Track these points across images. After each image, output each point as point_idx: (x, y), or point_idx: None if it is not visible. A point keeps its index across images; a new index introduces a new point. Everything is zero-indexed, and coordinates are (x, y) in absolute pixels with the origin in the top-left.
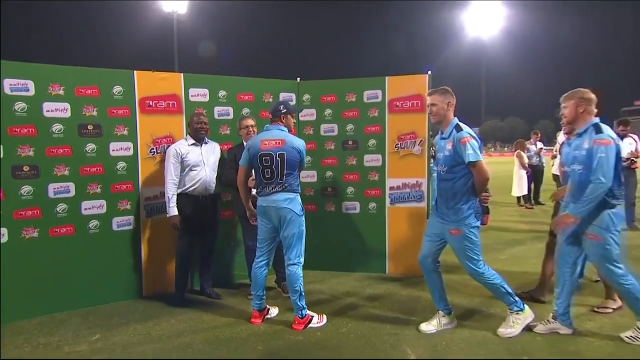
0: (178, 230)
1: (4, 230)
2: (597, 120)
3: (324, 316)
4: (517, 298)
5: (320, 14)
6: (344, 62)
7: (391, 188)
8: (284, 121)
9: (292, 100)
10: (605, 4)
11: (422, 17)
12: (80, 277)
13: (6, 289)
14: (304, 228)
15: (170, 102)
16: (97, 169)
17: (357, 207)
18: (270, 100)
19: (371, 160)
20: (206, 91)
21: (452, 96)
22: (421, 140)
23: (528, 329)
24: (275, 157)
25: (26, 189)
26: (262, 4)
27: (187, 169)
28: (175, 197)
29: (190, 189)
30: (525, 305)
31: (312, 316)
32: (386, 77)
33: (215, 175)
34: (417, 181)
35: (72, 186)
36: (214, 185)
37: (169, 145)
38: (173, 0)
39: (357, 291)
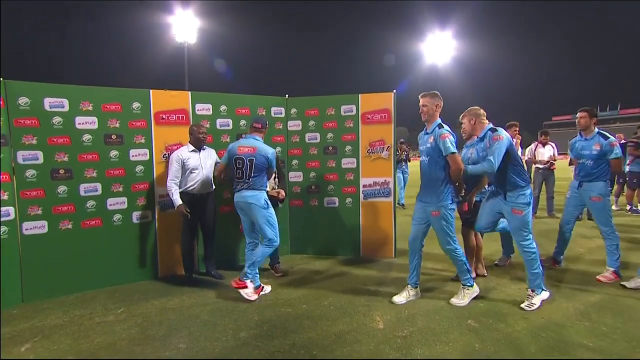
0: (183, 222)
1: (45, 223)
2: (490, 124)
3: (256, 294)
4: (471, 275)
5: (305, 42)
6: (324, 82)
7: (364, 186)
8: (263, 132)
9: (282, 113)
10: (529, 33)
11: (389, 46)
12: (107, 261)
13: (47, 271)
14: (272, 217)
15: (180, 115)
16: (119, 172)
17: (336, 201)
18: (264, 113)
19: (347, 162)
20: (210, 106)
21: (440, 100)
22: (388, 146)
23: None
24: (246, 162)
25: (62, 188)
26: (257, 34)
27: (187, 172)
28: (177, 192)
29: (190, 188)
30: (474, 282)
31: (246, 286)
32: (359, 95)
33: (212, 176)
34: (385, 180)
35: (99, 186)
36: (210, 184)
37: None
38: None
39: (336, 271)
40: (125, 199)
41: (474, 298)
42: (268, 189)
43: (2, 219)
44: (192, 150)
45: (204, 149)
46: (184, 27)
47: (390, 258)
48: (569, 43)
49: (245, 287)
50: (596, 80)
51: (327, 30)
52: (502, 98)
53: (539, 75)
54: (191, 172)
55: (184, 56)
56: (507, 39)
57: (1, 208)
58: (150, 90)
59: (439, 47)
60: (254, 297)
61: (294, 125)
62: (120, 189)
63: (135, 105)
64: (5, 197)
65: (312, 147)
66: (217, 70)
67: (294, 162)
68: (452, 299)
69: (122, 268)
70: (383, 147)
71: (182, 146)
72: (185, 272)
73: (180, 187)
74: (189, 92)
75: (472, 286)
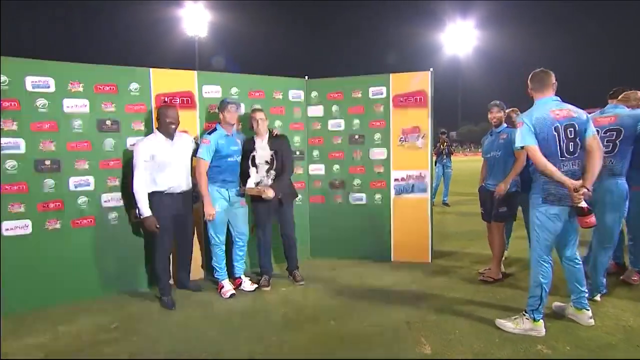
0: (154, 235)
1: (28, 222)
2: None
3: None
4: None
5: (327, 17)
6: (348, 63)
7: (395, 180)
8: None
9: (301, 97)
10: (553, 24)
11: (410, 35)
12: (100, 266)
13: (32, 277)
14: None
15: (185, 98)
16: (115, 163)
17: (364, 198)
18: (280, 97)
19: (376, 153)
20: (219, 88)
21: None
22: (424, 134)
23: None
24: None
25: (48, 182)
26: (272, 22)
27: (157, 168)
28: (146, 197)
29: (165, 187)
30: (542, 320)
31: (243, 280)
32: (390, 74)
33: (189, 171)
34: (420, 173)
35: (91, 180)
36: (188, 182)
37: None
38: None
39: (365, 278)
40: (121, 194)
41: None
42: (250, 184)
43: None
44: (162, 140)
45: (177, 137)
46: (195, 21)
47: (425, 263)
48: (600, 33)
49: (222, 287)
50: (628, 73)
51: (338, 20)
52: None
53: (568, 67)
54: (164, 168)
55: (194, 50)
56: (534, 29)
57: None
58: (151, 69)
59: (460, 38)
60: (227, 293)
61: (315, 110)
62: (116, 183)
63: (133, 86)
64: None
65: (336, 136)
66: (228, 64)
67: (315, 153)
68: (500, 320)
69: (117, 275)
70: (418, 135)
71: (187, 133)
72: (162, 295)
73: (152, 187)
74: (195, 72)
75: (537, 321)
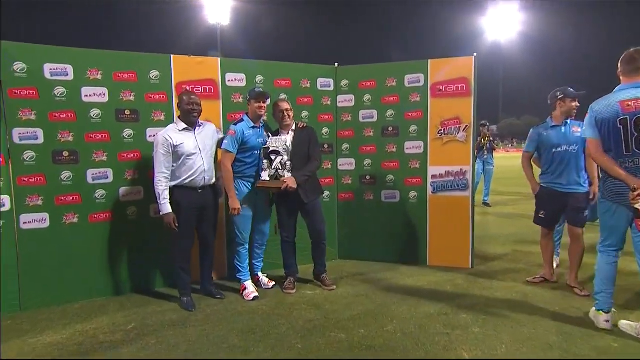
0: (174, 232)
1: (46, 215)
2: None
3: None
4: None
5: (349, 18)
6: (381, 50)
7: (433, 176)
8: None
9: (330, 86)
10: (608, 7)
11: (449, 20)
12: (118, 263)
13: (49, 273)
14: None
15: (207, 87)
16: (134, 155)
17: (397, 195)
18: (308, 86)
19: (412, 147)
20: (243, 76)
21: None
22: (466, 126)
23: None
24: None
25: (66, 174)
26: (296, 8)
27: (181, 159)
28: (167, 192)
29: (187, 180)
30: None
31: (261, 278)
32: (428, 60)
33: (213, 162)
34: (460, 169)
35: (110, 172)
36: (213, 174)
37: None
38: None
39: (398, 283)
40: (141, 188)
41: None
42: (265, 177)
43: None
44: (184, 129)
45: (199, 126)
46: (217, 8)
47: (465, 268)
48: None
49: (244, 289)
50: None
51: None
52: (579, 78)
53: (621, 54)
54: (187, 159)
55: (217, 38)
56: (586, 10)
57: None
58: (172, 56)
59: (503, 22)
60: (249, 295)
61: (345, 100)
62: (136, 176)
63: (154, 73)
64: None
65: (368, 128)
66: (251, 53)
67: (345, 146)
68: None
69: (136, 273)
70: (459, 127)
71: (209, 123)
72: (181, 295)
73: (173, 180)
74: (218, 59)
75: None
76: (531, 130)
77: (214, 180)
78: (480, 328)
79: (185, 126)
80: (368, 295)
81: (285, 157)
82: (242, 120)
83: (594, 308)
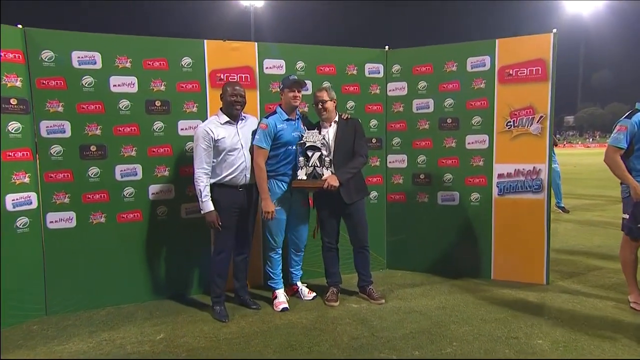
0: (215, 233)
1: (73, 214)
2: None
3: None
4: None
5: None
6: (439, 30)
7: (499, 175)
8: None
9: (379, 72)
10: None
11: None
12: (148, 267)
13: (75, 276)
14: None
15: (244, 75)
16: (164, 150)
17: (456, 197)
18: (354, 72)
19: (475, 141)
20: (282, 62)
21: None
22: (541, 117)
23: None
24: None
25: (93, 170)
26: None
27: (222, 154)
28: (208, 189)
29: (228, 178)
30: None
31: (300, 288)
32: (496, 40)
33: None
34: (534, 167)
35: (139, 169)
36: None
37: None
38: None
39: (457, 300)
40: (171, 186)
41: None
42: (301, 176)
43: (23, 208)
44: (226, 122)
45: (242, 119)
46: None
47: (539, 285)
48: None
49: (275, 297)
50: None
51: None
52: None
53: None
54: (228, 155)
55: (250, 21)
56: None
57: (21, 194)
58: (205, 41)
59: None
60: (280, 305)
61: (397, 88)
62: (166, 173)
63: (186, 61)
64: (26, 180)
65: (422, 120)
66: (287, 36)
67: (395, 140)
68: None
69: (166, 278)
70: (533, 118)
71: (252, 117)
72: (214, 304)
73: (213, 177)
74: (256, 44)
75: None
76: (622, 120)
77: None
78: (560, 358)
79: (228, 119)
80: (422, 312)
81: (325, 152)
82: (274, 112)
83: None
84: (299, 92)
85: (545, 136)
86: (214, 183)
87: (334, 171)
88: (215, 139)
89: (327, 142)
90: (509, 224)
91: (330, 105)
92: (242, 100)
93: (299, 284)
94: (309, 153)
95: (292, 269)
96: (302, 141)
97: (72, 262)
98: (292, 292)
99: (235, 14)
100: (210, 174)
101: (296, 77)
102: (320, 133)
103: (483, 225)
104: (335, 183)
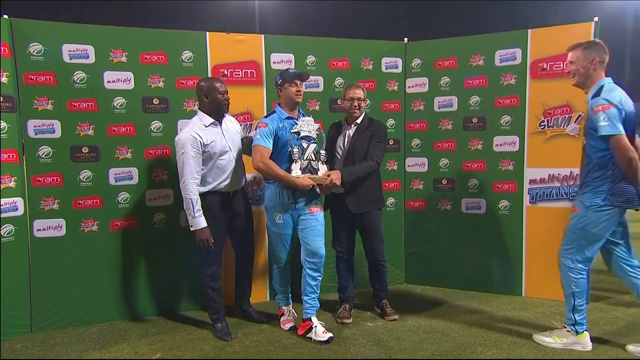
0: (208, 248)
1: (62, 222)
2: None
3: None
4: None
5: None
6: (464, 20)
7: (531, 181)
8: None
9: (398, 66)
10: None
11: None
12: (143, 280)
13: (64, 290)
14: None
15: (249, 71)
16: (163, 152)
17: (483, 205)
18: (370, 67)
19: (503, 143)
20: (291, 56)
21: (600, 52)
22: (579, 116)
23: None
24: None
25: (85, 174)
26: None
27: (213, 160)
28: (200, 203)
29: (222, 185)
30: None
31: (314, 325)
32: (528, 30)
33: (242, 161)
34: (571, 172)
35: (134, 172)
36: (242, 175)
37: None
38: None
39: (484, 319)
40: (170, 191)
41: None
42: (296, 172)
43: (8, 215)
44: (211, 124)
45: (223, 117)
46: None
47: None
48: None
49: (309, 327)
50: None
51: None
52: None
53: None
54: (218, 161)
55: (254, 13)
56: None
57: (6, 200)
58: (207, 33)
59: None
60: (322, 335)
61: (417, 84)
62: (164, 177)
63: (186, 55)
64: (12, 184)
65: (445, 119)
66: (300, 24)
67: (415, 142)
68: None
69: (163, 292)
70: (570, 118)
71: (251, 116)
72: (214, 321)
73: (202, 186)
74: (262, 36)
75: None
76: None
77: (243, 182)
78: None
79: (212, 120)
80: (444, 332)
81: (318, 146)
82: (273, 112)
83: None
84: (301, 85)
85: (583, 137)
86: (203, 192)
87: (342, 170)
88: (205, 143)
89: (321, 134)
90: (542, 235)
91: (363, 105)
92: (228, 99)
93: (313, 319)
94: (304, 144)
95: (306, 297)
96: (296, 130)
97: (60, 274)
98: (304, 329)
99: (237, 4)
100: (199, 182)
101: (295, 71)
102: (341, 132)
103: (513, 236)
104: (338, 181)
